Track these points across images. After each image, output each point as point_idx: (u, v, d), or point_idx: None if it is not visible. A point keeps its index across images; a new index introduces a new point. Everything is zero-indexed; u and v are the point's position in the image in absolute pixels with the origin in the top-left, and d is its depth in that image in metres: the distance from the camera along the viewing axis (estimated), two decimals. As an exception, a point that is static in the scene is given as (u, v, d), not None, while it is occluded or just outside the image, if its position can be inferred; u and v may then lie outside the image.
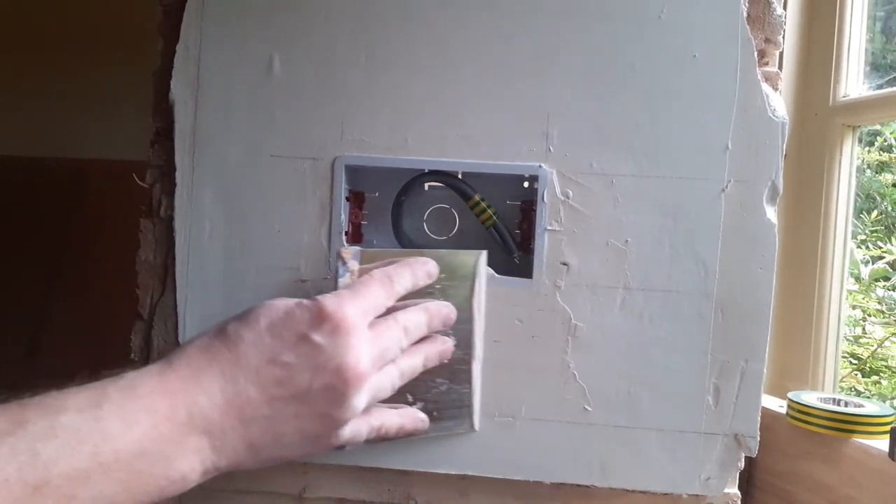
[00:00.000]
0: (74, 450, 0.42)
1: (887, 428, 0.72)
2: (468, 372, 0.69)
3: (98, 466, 0.42)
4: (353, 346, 0.50)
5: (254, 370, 0.48)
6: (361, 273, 0.61)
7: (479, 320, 0.69)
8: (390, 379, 0.56)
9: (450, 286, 0.66)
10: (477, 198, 0.75)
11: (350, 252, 0.64)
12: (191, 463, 0.47)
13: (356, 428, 0.54)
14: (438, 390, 0.68)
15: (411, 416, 0.63)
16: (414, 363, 0.59)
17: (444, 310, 0.63)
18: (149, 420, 0.45)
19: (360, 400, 0.51)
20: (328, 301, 0.51)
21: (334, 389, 0.49)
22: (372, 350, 0.52)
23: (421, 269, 0.62)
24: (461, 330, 0.68)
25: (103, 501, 0.43)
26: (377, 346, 0.53)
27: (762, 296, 0.71)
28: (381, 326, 0.55)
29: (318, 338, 0.49)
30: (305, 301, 0.51)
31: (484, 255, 0.69)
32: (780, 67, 0.80)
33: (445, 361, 0.65)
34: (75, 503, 0.41)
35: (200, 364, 0.48)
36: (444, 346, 0.64)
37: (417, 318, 0.59)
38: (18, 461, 0.40)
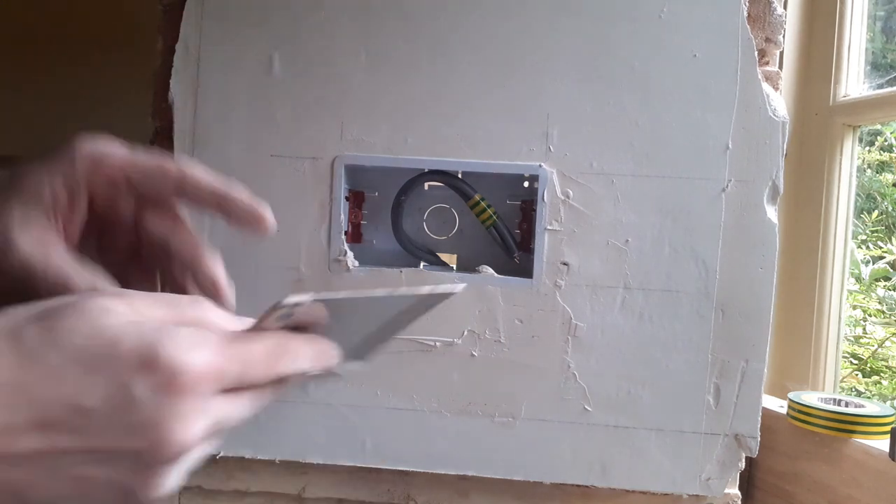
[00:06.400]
0: None
1: (888, 428, 0.72)
2: None
3: None
4: (182, 414, 0.36)
5: (40, 404, 0.35)
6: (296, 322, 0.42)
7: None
8: (209, 445, 0.39)
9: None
10: (477, 198, 0.75)
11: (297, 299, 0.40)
12: None
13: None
14: None
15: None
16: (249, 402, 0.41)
17: (326, 354, 0.43)
18: None
19: (172, 478, 0.38)
20: (169, 345, 0.36)
21: (142, 461, 0.36)
22: (206, 422, 0.37)
23: (324, 357, 0.43)
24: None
25: None
26: (213, 413, 0.38)
27: (762, 295, 0.71)
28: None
29: (140, 390, 0.35)
30: (145, 330, 0.37)
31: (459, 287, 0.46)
32: (781, 67, 0.80)
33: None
34: None
35: None
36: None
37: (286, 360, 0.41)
38: None
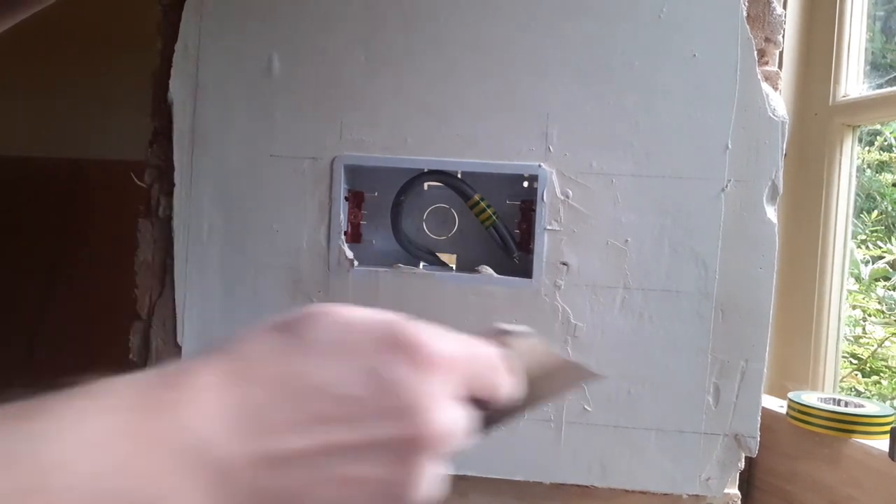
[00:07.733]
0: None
1: (887, 428, 0.72)
2: None
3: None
4: (435, 393, 0.35)
5: (310, 397, 0.33)
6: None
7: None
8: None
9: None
10: (477, 198, 0.75)
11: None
12: None
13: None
14: None
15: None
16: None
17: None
18: (116, 444, 0.29)
19: (432, 474, 0.35)
20: (408, 327, 0.35)
21: (406, 449, 0.34)
22: (458, 411, 0.36)
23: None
24: None
25: None
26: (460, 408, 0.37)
27: (762, 296, 0.71)
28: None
29: (391, 368, 0.34)
30: (385, 318, 0.36)
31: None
32: (780, 67, 0.80)
33: None
34: None
35: (203, 374, 0.32)
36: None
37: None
38: None
